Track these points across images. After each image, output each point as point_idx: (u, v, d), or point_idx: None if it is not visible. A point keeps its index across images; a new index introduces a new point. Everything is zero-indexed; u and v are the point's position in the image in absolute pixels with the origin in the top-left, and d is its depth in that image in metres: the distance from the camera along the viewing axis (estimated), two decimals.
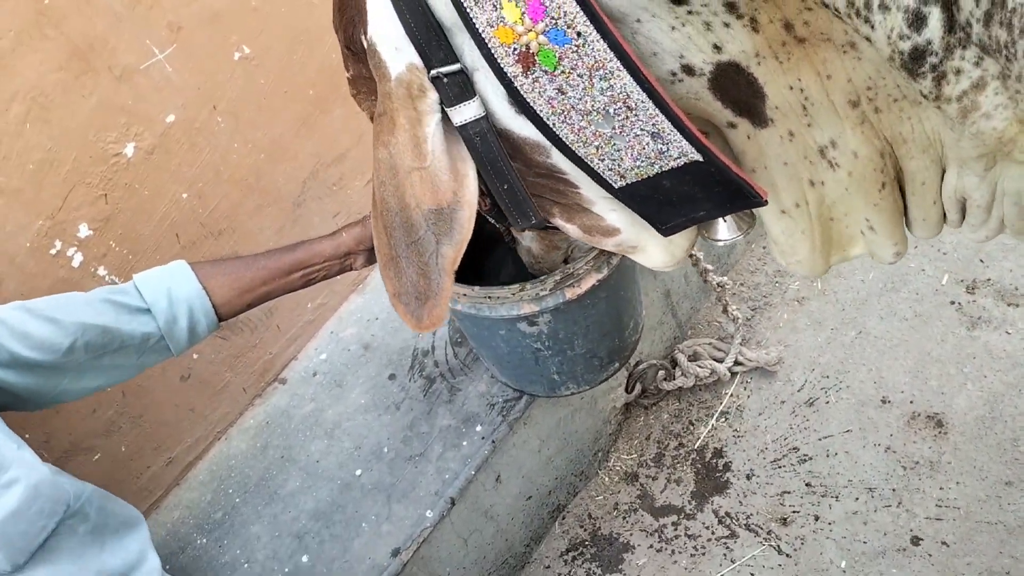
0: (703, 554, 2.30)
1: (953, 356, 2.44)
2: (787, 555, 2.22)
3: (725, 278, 2.36)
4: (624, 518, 2.44)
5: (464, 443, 2.15)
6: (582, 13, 0.97)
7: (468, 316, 1.81)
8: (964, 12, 0.82)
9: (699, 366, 2.55)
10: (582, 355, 1.92)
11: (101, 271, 1.99)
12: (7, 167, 1.77)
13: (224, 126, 2.12)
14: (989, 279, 2.57)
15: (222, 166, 2.15)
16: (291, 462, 2.26)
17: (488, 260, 2.00)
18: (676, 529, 2.37)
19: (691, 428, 2.57)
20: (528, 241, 1.71)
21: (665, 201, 1.20)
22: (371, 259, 1.79)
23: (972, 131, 0.94)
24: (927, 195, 1.15)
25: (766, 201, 1.16)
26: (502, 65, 1.06)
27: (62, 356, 1.50)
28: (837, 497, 2.27)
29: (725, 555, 2.27)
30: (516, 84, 1.07)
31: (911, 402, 2.39)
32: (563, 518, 2.49)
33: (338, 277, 1.84)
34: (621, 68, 1.01)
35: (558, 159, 1.20)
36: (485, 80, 1.12)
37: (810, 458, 2.38)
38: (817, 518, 2.26)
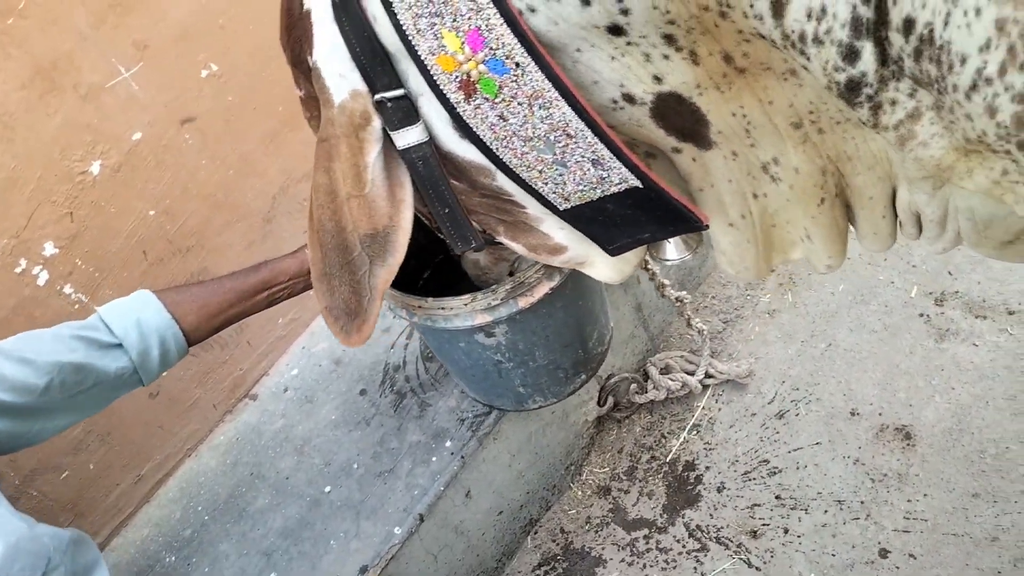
0: (674, 568, 2.30)
1: (921, 368, 2.46)
2: (757, 568, 2.23)
3: (685, 292, 2.38)
4: (596, 532, 2.44)
5: (433, 459, 2.16)
6: (519, 44, 0.98)
7: (426, 329, 1.81)
8: (895, 48, 0.83)
9: (671, 379, 2.56)
10: (545, 367, 1.92)
11: (67, 289, 1.98)
12: None
13: (192, 143, 2.11)
14: (957, 291, 2.59)
15: (190, 183, 2.14)
16: (260, 479, 2.26)
17: (456, 274, 2.01)
18: (648, 543, 2.38)
19: (663, 441, 2.58)
20: (472, 255, 1.71)
21: (610, 223, 1.22)
22: None
23: (911, 157, 0.96)
24: (875, 209, 1.17)
25: (707, 226, 1.18)
26: (445, 92, 1.07)
27: (38, 397, 1.46)
28: (806, 510, 2.29)
29: (696, 568, 2.28)
30: (459, 110, 1.08)
31: (880, 414, 2.40)
32: (535, 533, 2.49)
33: (310, 292, 1.85)
34: (559, 98, 1.02)
35: (503, 181, 1.21)
36: (429, 105, 1.13)
37: (780, 470, 2.39)
38: (786, 531, 2.27)
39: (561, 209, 1.20)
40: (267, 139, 2.30)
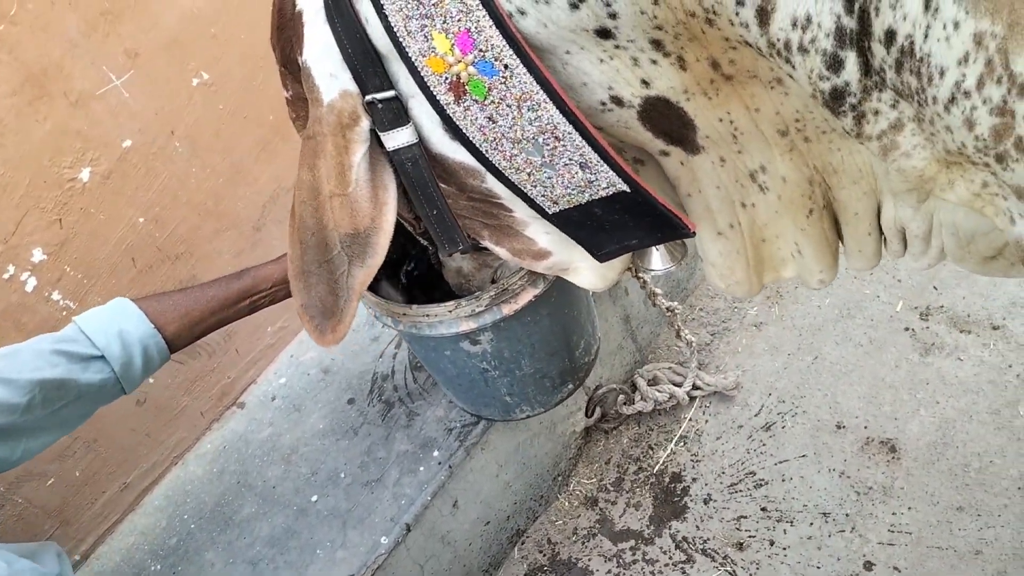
0: None
1: (906, 382, 2.48)
2: None
3: (675, 303, 2.38)
4: (583, 543, 2.45)
5: (421, 468, 2.16)
6: (508, 47, 1.00)
7: (412, 337, 1.81)
8: (877, 58, 0.84)
9: (658, 391, 2.56)
10: (532, 375, 1.93)
11: (55, 295, 1.98)
12: None
13: (182, 151, 2.12)
14: (942, 306, 2.61)
15: (180, 191, 2.15)
16: (247, 488, 2.25)
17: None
18: (635, 554, 2.38)
19: (650, 452, 2.58)
20: (458, 260, 1.72)
21: (598, 228, 1.23)
22: None
23: (894, 168, 0.97)
24: (860, 225, 1.18)
25: (694, 233, 1.19)
26: (435, 93, 1.08)
27: (20, 416, 1.42)
28: (792, 522, 2.29)
29: None
30: (449, 111, 1.09)
31: (865, 427, 2.42)
32: (522, 543, 2.49)
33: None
34: (547, 100, 1.04)
35: (492, 184, 1.22)
36: (420, 107, 1.13)
37: (766, 483, 2.40)
38: (772, 543, 2.27)
39: (550, 212, 1.21)
40: (258, 147, 2.30)
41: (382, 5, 1.03)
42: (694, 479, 2.48)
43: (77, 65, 1.86)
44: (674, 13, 0.94)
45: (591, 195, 1.15)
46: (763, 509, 2.35)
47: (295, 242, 1.23)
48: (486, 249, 1.42)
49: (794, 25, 0.86)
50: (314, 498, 2.17)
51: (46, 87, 1.82)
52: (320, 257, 1.21)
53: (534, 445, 2.40)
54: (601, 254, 1.29)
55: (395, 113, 1.13)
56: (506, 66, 1.01)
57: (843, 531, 2.24)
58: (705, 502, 2.42)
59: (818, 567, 2.19)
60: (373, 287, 1.79)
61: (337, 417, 2.35)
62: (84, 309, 1.97)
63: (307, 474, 2.23)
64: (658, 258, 1.47)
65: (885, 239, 1.19)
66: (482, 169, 1.18)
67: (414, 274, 2.04)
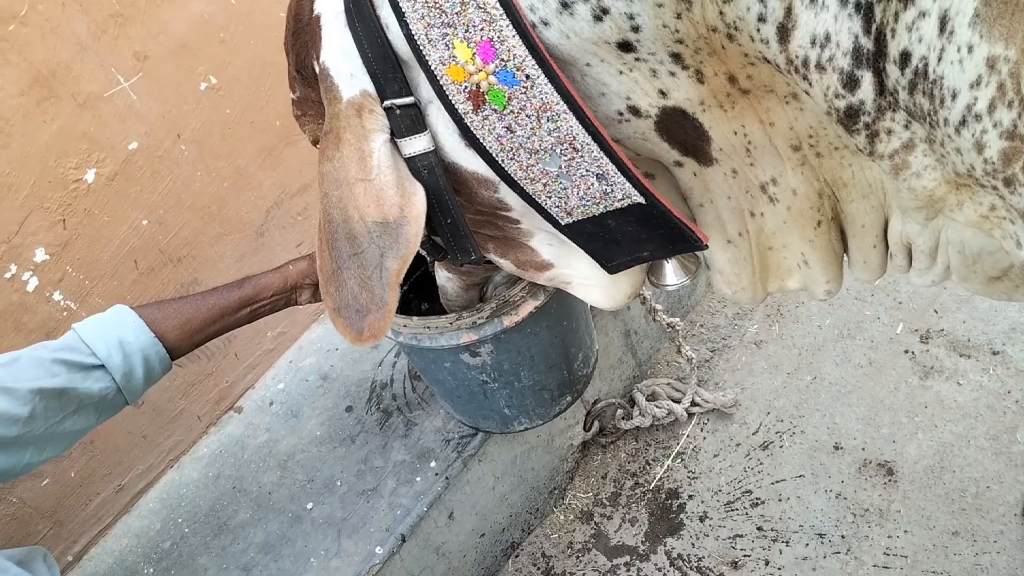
0: None
1: (905, 405, 2.48)
2: None
3: (676, 319, 2.38)
4: (578, 557, 2.44)
5: (418, 479, 2.15)
6: (531, 57, 1.00)
7: (412, 348, 1.81)
8: (891, 79, 0.85)
9: (657, 406, 2.56)
10: (530, 387, 1.93)
11: (57, 296, 1.98)
12: None
13: (188, 155, 2.12)
14: (943, 329, 2.61)
15: (184, 194, 2.15)
16: (243, 493, 2.25)
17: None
18: (629, 570, 2.37)
19: (647, 468, 2.58)
20: (443, 280, 1.70)
21: (611, 239, 1.23)
22: (316, 294, 1.78)
23: (905, 187, 0.97)
24: (866, 238, 1.19)
25: (707, 245, 1.20)
26: (453, 102, 1.08)
27: (22, 427, 1.40)
28: (788, 542, 2.29)
29: None
30: (467, 121, 1.09)
31: (863, 449, 2.41)
32: (516, 556, 2.48)
33: (297, 307, 1.85)
34: (567, 111, 1.04)
35: (505, 194, 1.22)
36: (437, 115, 1.13)
37: (762, 502, 2.39)
38: (767, 563, 2.27)
39: (563, 224, 1.21)
40: (263, 153, 2.31)
41: (403, 12, 1.03)
42: (690, 496, 2.47)
43: (86, 67, 1.86)
44: (696, 28, 0.94)
45: (606, 207, 1.16)
46: (759, 528, 2.34)
47: (323, 244, 1.19)
48: (479, 266, 1.41)
49: (813, 43, 0.87)
50: (309, 505, 2.17)
51: (54, 88, 1.83)
52: (349, 250, 1.16)
53: (531, 458, 2.40)
54: (612, 265, 1.30)
55: (412, 120, 1.13)
56: (527, 76, 1.02)
57: (838, 553, 2.23)
58: (701, 519, 2.41)
59: None
60: None
61: (335, 424, 2.35)
62: (85, 310, 1.99)
63: (303, 481, 2.23)
64: (671, 272, 1.48)
65: (891, 253, 1.19)
66: (496, 179, 1.18)
67: (412, 279, 2.04)
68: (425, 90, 1.12)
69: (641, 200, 1.13)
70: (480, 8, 0.99)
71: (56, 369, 1.47)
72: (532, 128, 1.08)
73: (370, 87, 1.12)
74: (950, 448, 2.35)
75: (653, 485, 2.53)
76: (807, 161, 1.10)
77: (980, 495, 2.23)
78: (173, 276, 2.19)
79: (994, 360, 2.49)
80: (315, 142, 1.37)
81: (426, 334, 1.73)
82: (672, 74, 1.02)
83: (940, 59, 0.79)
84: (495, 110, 1.07)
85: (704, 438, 2.59)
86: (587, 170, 1.11)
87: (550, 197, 1.17)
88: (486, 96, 1.06)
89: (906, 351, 2.60)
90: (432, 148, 1.16)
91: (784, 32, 0.88)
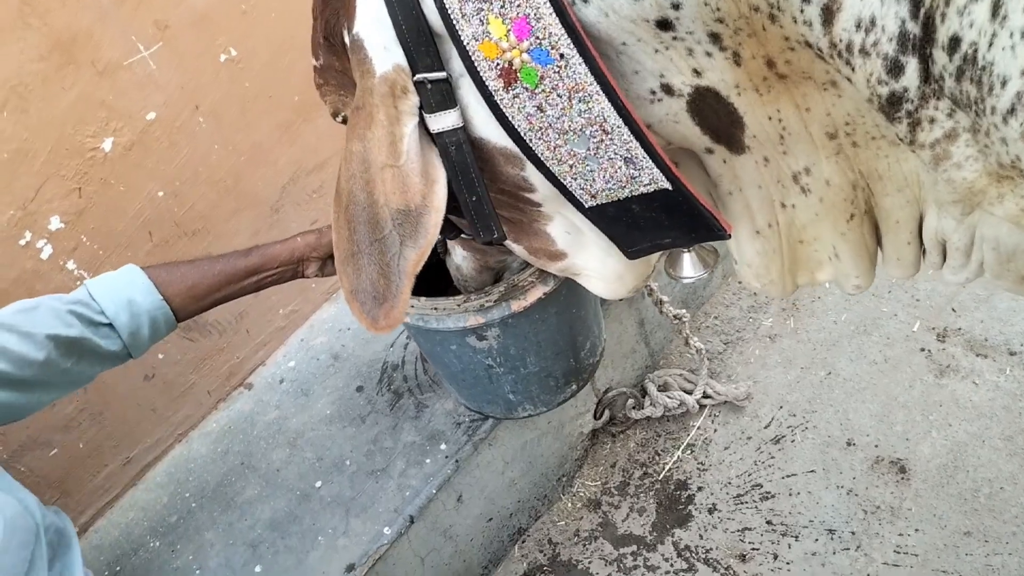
0: None
1: (920, 403, 2.45)
2: None
3: (683, 311, 2.36)
4: (584, 545, 2.42)
5: (427, 460, 2.14)
6: (567, 36, 0.98)
7: (418, 330, 1.79)
8: (938, 65, 0.83)
9: (668, 396, 2.54)
10: (536, 374, 1.91)
11: (70, 265, 1.96)
12: None
13: (205, 127, 2.10)
14: (960, 328, 2.58)
15: (201, 167, 2.13)
16: (251, 469, 2.24)
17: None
18: (636, 560, 2.36)
19: (657, 458, 2.56)
20: (459, 260, 1.69)
21: (633, 225, 1.21)
22: (323, 267, 1.80)
23: (944, 178, 0.95)
24: (900, 234, 1.16)
25: (730, 235, 1.18)
26: (484, 78, 1.06)
27: (37, 370, 1.47)
28: (797, 537, 2.27)
29: None
30: (496, 98, 1.08)
31: (876, 446, 2.39)
32: (523, 542, 2.47)
33: (312, 285, 1.84)
34: (600, 92, 1.02)
35: (531, 173, 1.20)
36: (468, 90, 1.11)
37: (772, 496, 2.37)
38: (776, 556, 2.25)
39: (587, 206, 1.19)
40: (281, 128, 2.29)
41: None
42: (700, 488, 2.46)
43: (106, 34, 1.85)
44: (738, 6, 0.92)
45: (631, 191, 1.14)
46: (768, 522, 2.32)
47: (342, 223, 1.17)
48: (487, 251, 1.40)
49: (858, 27, 0.84)
50: (318, 484, 2.16)
51: (74, 54, 1.81)
52: (371, 235, 1.15)
53: (541, 444, 2.38)
54: (631, 251, 1.28)
55: (443, 95, 1.11)
56: (562, 55, 1.00)
57: (848, 549, 2.22)
58: (710, 511, 2.39)
59: None
60: None
61: (345, 404, 2.34)
62: None
63: (312, 459, 2.22)
64: (689, 265, 1.46)
65: (924, 250, 1.17)
66: (523, 157, 1.16)
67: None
68: (456, 64, 1.10)
69: (667, 186, 1.11)
70: None
71: (71, 320, 1.53)
72: (563, 108, 1.06)
73: (403, 61, 1.10)
74: (964, 448, 2.32)
75: (662, 475, 2.51)
76: (842, 150, 1.08)
77: (993, 495, 2.21)
78: (187, 249, 2.18)
79: (1011, 360, 2.47)
80: (335, 113, 1.36)
81: (433, 315, 1.71)
82: (709, 55, 1.00)
83: (991, 45, 0.77)
84: (526, 88, 1.05)
85: (715, 430, 2.57)
86: (616, 153, 1.09)
87: (576, 179, 1.15)
88: (518, 74, 1.04)
89: (922, 349, 2.57)
90: (461, 124, 1.14)
91: (828, 14, 0.86)
